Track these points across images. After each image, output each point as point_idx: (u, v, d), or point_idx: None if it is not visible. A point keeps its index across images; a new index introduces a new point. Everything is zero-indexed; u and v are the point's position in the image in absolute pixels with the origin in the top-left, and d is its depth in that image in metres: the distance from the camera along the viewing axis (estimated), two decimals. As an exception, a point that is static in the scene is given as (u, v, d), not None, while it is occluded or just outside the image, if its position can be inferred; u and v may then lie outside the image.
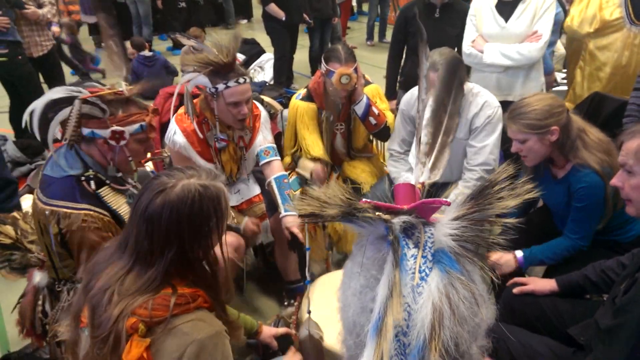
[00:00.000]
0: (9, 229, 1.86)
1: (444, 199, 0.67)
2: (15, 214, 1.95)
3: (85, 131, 1.60)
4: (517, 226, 0.67)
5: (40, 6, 4.12)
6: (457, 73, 0.93)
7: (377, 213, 0.67)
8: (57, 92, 1.55)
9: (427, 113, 0.87)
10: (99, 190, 1.61)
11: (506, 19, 2.78)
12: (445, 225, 0.68)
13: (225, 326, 1.20)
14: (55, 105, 1.55)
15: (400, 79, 3.52)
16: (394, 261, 0.65)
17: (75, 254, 1.59)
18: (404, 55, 3.49)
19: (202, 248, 1.19)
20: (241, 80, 2.07)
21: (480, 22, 2.86)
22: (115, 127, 1.59)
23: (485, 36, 2.84)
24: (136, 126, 1.64)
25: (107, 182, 1.65)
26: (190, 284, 1.16)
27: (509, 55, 2.75)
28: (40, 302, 1.78)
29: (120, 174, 1.71)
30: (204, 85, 2.10)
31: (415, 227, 0.69)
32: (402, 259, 0.66)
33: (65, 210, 1.54)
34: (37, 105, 1.52)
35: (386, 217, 0.67)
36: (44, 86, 4.55)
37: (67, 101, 1.55)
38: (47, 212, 1.55)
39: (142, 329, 1.05)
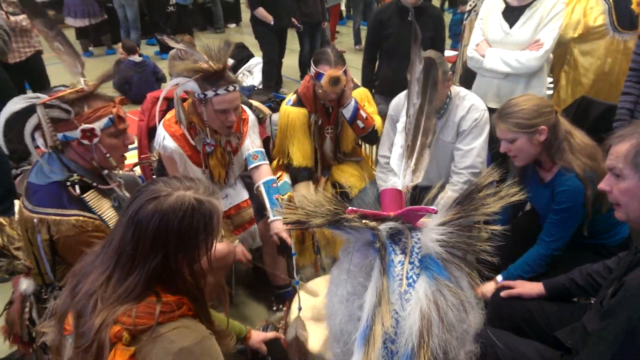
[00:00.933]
0: None
1: (431, 207, 0.66)
2: (1, 219, 1.91)
3: (58, 136, 1.57)
4: (503, 232, 0.67)
5: (22, 12, 4.07)
6: (430, 74, 0.93)
7: (363, 221, 0.66)
8: (16, 104, 1.51)
9: (404, 116, 0.87)
10: (84, 195, 1.59)
11: (511, 25, 2.73)
12: (432, 231, 0.67)
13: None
14: (22, 116, 1.51)
15: (375, 83, 3.52)
16: (382, 268, 0.64)
17: (71, 259, 1.56)
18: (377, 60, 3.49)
19: (187, 261, 1.16)
20: (231, 88, 2.06)
21: (486, 26, 2.84)
22: (84, 126, 1.56)
23: (490, 41, 2.81)
24: (105, 120, 1.59)
25: (94, 184, 1.62)
26: (173, 293, 1.15)
27: (507, 62, 2.72)
28: (27, 310, 1.75)
29: (105, 172, 1.69)
30: (192, 90, 2.08)
31: (402, 232, 0.68)
32: (390, 266, 0.65)
33: (54, 217, 1.52)
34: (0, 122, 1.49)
35: (372, 224, 0.67)
36: (30, 92, 4.51)
37: (27, 112, 1.51)
38: (35, 220, 1.53)
39: (127, 337, 1.04)
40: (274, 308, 2.61)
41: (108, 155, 1.63)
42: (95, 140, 1.58)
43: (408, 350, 0.61)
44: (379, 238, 0.66)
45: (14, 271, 1.79)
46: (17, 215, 1.80)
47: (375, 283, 0.64)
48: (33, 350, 1.79)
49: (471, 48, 2.89)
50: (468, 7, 3.88)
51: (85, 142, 1.57)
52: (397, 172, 0.83)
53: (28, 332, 1.75)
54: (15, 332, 1.78)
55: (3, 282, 2.81)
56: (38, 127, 1.54)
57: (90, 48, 8.01)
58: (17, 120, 1.51)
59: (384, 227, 0.67)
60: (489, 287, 1.98)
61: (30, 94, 1.56)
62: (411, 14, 3.15)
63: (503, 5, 2.78)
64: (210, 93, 2.04)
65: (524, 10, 2.71)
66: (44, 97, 1.52)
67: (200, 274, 1.20)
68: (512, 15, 2.74)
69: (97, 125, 1.58)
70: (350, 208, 0.67)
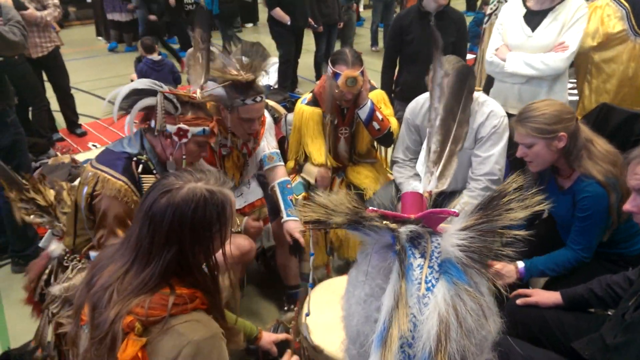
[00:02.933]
0: (50, 194, 1.98)
1: (452, 210, 0.65)
2: (62, 183, 2.08)
3: (154, 123, 1.72)
4: (525, 238, 0.65)
5: (44, 7, 4.14)
6: (467, 82, 0.92)
7: (384, 222, 0.65)
8: (142, 84, 1.72)
9: (437, 121, 0.86)
10: (143, 176, 1.71)
11: (533, 29, 2.68)
12: (452, 236, 0.66)
13: (223, 330, 1.19)
14: (135, 95, 1.71)
15: (395, 88, 3.48)
16: (400, 271, 0.63)
17: (98, 218, 1.67)
18: (397, 65, 3.45)
19: (203, 252, 1.18)
20: (258, 98, 2.08)
21: (506, 30, 2.79)
22: (182, 125, 1.73)
23: (511, 46, 2.76)
24: (200, 129, 1.76)
25: (154, 171, 1.75)
26: (188, 286, 1.16)
27: (532, 65, 2.65)
28: (47, 271, 1.86)
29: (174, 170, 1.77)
30: (218, 95, 2.09)
31: (422, 236, 0.68)
32: (408, 269, 0.65)
33: (106, 175, 1.66)
34: (122, 91, 1.69)
35: (393, 226, 0.66)
36: (47, 85, 4.57)
37: (147, 93, 1.71)
38: (90, 173, 1.67)
39: (139, 328, 1.05)
40: (285, 308, 2.61)
41: (184, 157, 1.77)
42: (184, 140, 1.74)
43: (425, 354, 0.60)
44: (399, 240, 0.65)
45: (51, 228, 1.96)
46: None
47: (393, 286, 0.63)
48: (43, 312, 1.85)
49: (490, 53, 2.85)
50: (489, 10, 3.83)
51: (175, 138, 1.74)
52: (421, 176, 0.82)
53: (41, 292, 1.85)
54: (30, 290, 1.88)
55: (22, 272, 2.86)
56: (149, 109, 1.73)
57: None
58: (132, 97, 1.70)
59: (404, 230, 0.66)
60: (507, 268, 1.95)
61: (155, 81, 1.75)
62: (432, 21, 3.11)
63: (524, 10, 2.74)
64: (237, 102, 2.06)
65: (546, 14, 2.66)
66: (165, 89, 1.73)
67: (216, 266, 1.21)
68: (533, 19, 2.70)
69: (192, 130, 1.75)
70: (371, 208, 0.66)
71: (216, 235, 1.18)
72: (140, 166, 1.71)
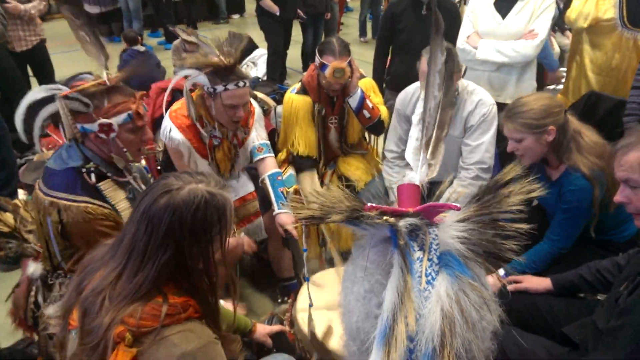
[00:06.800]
0: (8, 217, 1.86)
1: (454, 204, 0.65)
2: (17, 201, 1.95)
3: (78, 126, 1.57)
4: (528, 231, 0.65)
5: (29, 0, 4.06)
6: (447, 65, 0.91)
7: (384, 217, 0.65)
8: (38, 92, 1.53)
9: (419, 108, 0.85)
10: (100, 184, 1.60)
11: (504, 16, 2.75)
12: (450, 227, 0.66)
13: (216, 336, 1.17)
14: (41, 105, 1.52)
15: (386, 77, 3.46)
16: (405, 267, 0.63)
17: (81, 245, 1.57)
18: (389, 54, 3.42)
19: (202, 256, 1.15)
20: (241, 83, 2.05)
21: (476, 18, 2.84)
22: (101, 120, 1.55)
23: (481, 33, 2.82)
24: (124, 116, 1.58)
25: (109, 174, 1.63)
26: (182, 293, 1.13)
27: (503, 52, 2.72)
28: (32, 293, 1.76)
29: (122, 165, 1.69)
30: (201, 84, 2.07)
31: (420, 228, 0.67)
32: (411, 263, 0.64)
33: (64, 202, 1.53)
34: (20, 108, 1.50)
35: (392, 220, 0.65)
36: (33, 80, 4.49)
37: (51, 99, 1.52)
38: (46, 203, 1.54)
39: (129, 338, 1.02)
40: (279, 300, 2.60)
41: (125, 149, 1.63)
42: (112, 135, 1.57)
43: (429, 349, 0.59)
44: (401, 235, 0.64)
45: (23, 254, 1.83)
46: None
47: (396, 281, 0.62)
48: (38, 335, 1.79)
49: (462, 40, 2.88)
50: None
51: (102, 135, 1.57)
52: (413, 166, 0.81)
53: (33, 315, 1.77)
54: (20, 315, 1.80)
55: (9, 271, 2.83)
56: (55, 116, 1.55)
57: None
58: (34, 108, 1.52)
59: (403, 224, 0.65)
60: (489, 282, 1.96)
61: (50, 85, 1.56)
62: (429, 7, 3.07)
63: None
64: (220, 87, 2.03)
65: (515, 1, 2.74)
66: (65, 89, 1.52)
67: (215, 271, 1.18)
68: (503, 5, 2.77)
69: (115, 121, 1.57)
70: (369, 205, 0.65)
71: (216, 238, 1.15)
72: (92, 175, 1.58)
